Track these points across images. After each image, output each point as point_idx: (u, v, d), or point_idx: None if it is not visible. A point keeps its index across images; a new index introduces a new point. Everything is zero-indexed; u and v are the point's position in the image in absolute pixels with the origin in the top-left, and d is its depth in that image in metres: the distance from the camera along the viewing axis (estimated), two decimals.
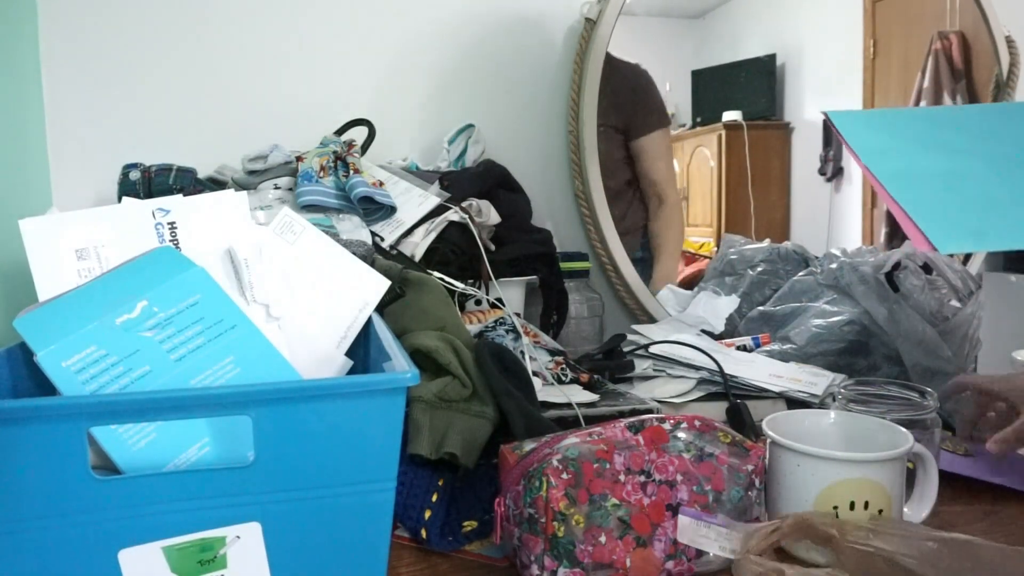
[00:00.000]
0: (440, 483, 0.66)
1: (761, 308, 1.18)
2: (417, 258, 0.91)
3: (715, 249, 1.34)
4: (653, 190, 1.23)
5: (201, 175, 0.99)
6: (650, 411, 0.79)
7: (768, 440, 0.63)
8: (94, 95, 1.06)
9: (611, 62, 1.20)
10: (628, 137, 1.21)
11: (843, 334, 1.03)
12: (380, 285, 0.70)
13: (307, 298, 0.66)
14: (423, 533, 0.62)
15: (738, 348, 1.08)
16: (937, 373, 0.95)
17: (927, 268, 1.04)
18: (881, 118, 0.52)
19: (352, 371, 0.66)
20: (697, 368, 0.96)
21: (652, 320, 1.27)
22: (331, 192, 0.93)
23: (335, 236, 0.86)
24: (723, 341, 1.11)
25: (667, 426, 0.60)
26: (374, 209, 0.94)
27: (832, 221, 1.43)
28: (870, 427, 0.67)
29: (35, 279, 0.58)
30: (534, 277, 1.01)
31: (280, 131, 1.11)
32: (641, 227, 1.25)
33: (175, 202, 0.63)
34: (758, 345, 1.17)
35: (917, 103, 1.46)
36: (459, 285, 0.91)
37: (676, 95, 1.32)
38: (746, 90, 1.36)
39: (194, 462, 0.50)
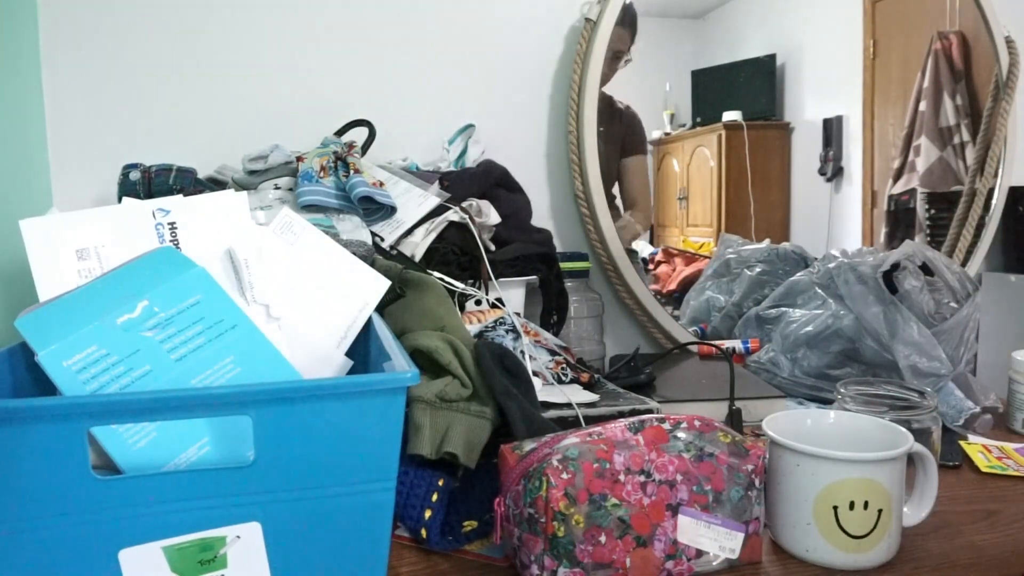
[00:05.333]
0: (440, 483, 0.66)
1: (756, 309, 1.18)
2: (417, 258, 0.91)
3: (715, 249, 1.34)
4: (627, 198, 1.32)
5: (201, 175, 0.99)
6: (650, 411, 0.79)
7: (768, 440, 0.63)
8: (94, 95, 1.06)
9: (611, 103, 1.26)
10: (621, 155, 1.31)
11: (829, 338, 1.03)
12: (380, 285, 0.70)
13: (307, 298, 0.66)
14: (423, 533, 0.62)
15: (725, 351, 1.08)
16: (931, 375, 0.95)
17: (926, 269, 1.04)
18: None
19: (352, 371, 0.66)
20: None
21: (652, 320, 1.27)
22: (331, 192, 0.93)
23: (335, 236, 0.86)
24: (713, 343, 1.11)
25: (667, 426, 0.60)
26: (374, 209, 0.94)
27: (832, 221, 1.43)
28: (870, 427, 0.67)
29: (35, 279, 0.58)
30: (534, 277, 1.01)
31: (280, 131, 1.11)
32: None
33: (175, 202, 0.64)
34: (748, 350, 1.17)
35: (917, 103, 1.46)
36: (459, 285, 0.91)
37: (676, 95, 1.32)
38: (746, 90, 1.36)
39: (194, 462, 0.50)
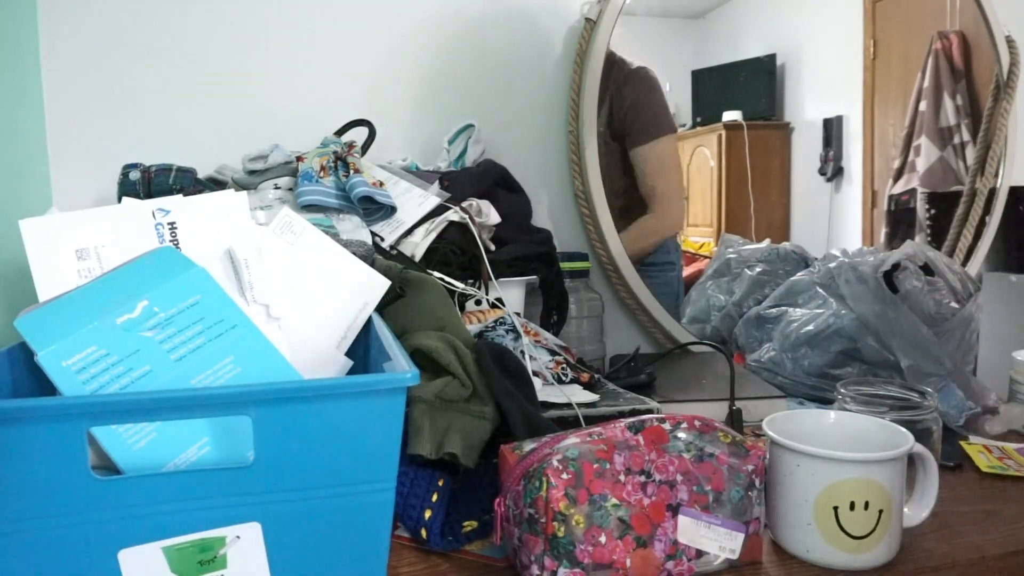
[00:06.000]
0: (440, 483, 0.66)
1: (757, 309, 1.18)
2: (417, 258, 0.91)
3: (715, 249, 1.34)
4: (653, 200, 1.23)
5: (201, 175, 0.99)
6: (650, 411, 0.79)
7: (768, 440, 0.63)
8: (94, 95, 1.06)
9: (615, 63, 1.19)
10: (626, 146, 1.19)
11: (830, 338, 1.03)
12: (380, 285, 0.70)
13: (307, 298, 0.66)
14: (423, 533, 0.62)
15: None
16: (932, 375, 0.95)
17: (927, 269, 1.04)
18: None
19: (352, 371, 0.66)
20: None
21: (652, 320, 1.27)
22: (331, 192, 0.93)
23: (335, 236, 0.86)
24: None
25: (667, 426, 0.60)
26: (374, 209, 0.94)
27: (832, 221, 1.43)
28: (870, 427, 0.67)
29: (35, 279, 0.58)
30: (534, 277, 1.01)
31: (280, 131, 1.11)
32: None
33: (175, 202, 0.64)
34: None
35: (917, 103, 1.46)
36: (459, 285, 0.91)
37: (676, 95, 1.31)
38: (746, 90, 1.36)
39: (194, 462, 0.50)
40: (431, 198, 0.96)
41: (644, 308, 1.26)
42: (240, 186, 0.96)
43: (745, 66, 1.35)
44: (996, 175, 1.47)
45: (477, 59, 1.23)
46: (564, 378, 0.85)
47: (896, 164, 1.46)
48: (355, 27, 1.17)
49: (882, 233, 1.45)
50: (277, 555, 0.48)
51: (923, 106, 1.46)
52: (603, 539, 0.54)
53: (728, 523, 0.58)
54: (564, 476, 0.54)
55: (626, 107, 1.14)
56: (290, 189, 0.95)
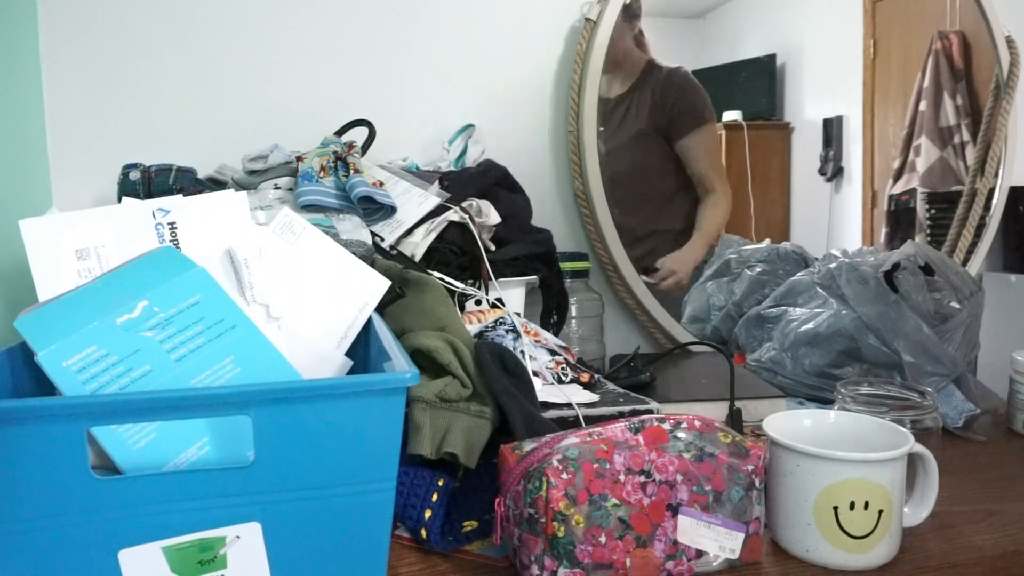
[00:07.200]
0: (440, 483, 0.66)
1: (757, 308, 1.18)
2: (417, 258, 0.91)
3: (716, 249, 1.34)
4: (700, 184, 1.27)
5: (201, 175, 0.99)
6: (650, 411, 0.79)
7: (768, 440, 0.63)
8: (94, 95, 1.06)
9: (654, 67, 1.22)
10: (671, 140, 1.24)
11: (831, 337, 1.03)
12: (380, 285, 0.70)
13: (307, 298, 0.66)
14: (423, 533, 0.62)
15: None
16: (934, 375, 0.95)
17: (927, 269, 1.03)
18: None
19: (352, 371, 0.66)
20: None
21: (652, 320, 1.27)
22: (331, 192, 0.93)
23: (335, 236, 0.86)
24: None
25: (667, 426, 0.60)
26: (374, 209, 0.94)
27: (832, 221, 1.43)
28: (870, 427, 0.67)
29: (35, 279, 0.58)
30: (534, 277, 1.01)
31: (280, 131, 1.11)
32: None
33: (175, 202, 0.64)
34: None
35: (917, 103, 1.46)
36: (459, 285, 0.91)
37: None
38: (746, 90, 1.35)
39: (194, 462, 0.51)
40: (431, 198, 0.96)
41: (644, 308, 1.26)
42: (240, 186, 0.96)
43: (745, 66, 1.35)
44: (996, 175, 1.47)
45: (477, 59, 1.23)
46: (564, 378, 0.85)
47: (896, 164, 1.46)
48: (355, 27, 1.17)
49: (882, 233, 1.45)
50: (277, 555, 0.48)
51: (923, 106, 1.46)
52: (603, 539, 0.54)
53: (728, 523, 0.58)
54: (564, 476, 0.54)
55: (668, 104, 1.22)
56: (290, 189, 0.95)
